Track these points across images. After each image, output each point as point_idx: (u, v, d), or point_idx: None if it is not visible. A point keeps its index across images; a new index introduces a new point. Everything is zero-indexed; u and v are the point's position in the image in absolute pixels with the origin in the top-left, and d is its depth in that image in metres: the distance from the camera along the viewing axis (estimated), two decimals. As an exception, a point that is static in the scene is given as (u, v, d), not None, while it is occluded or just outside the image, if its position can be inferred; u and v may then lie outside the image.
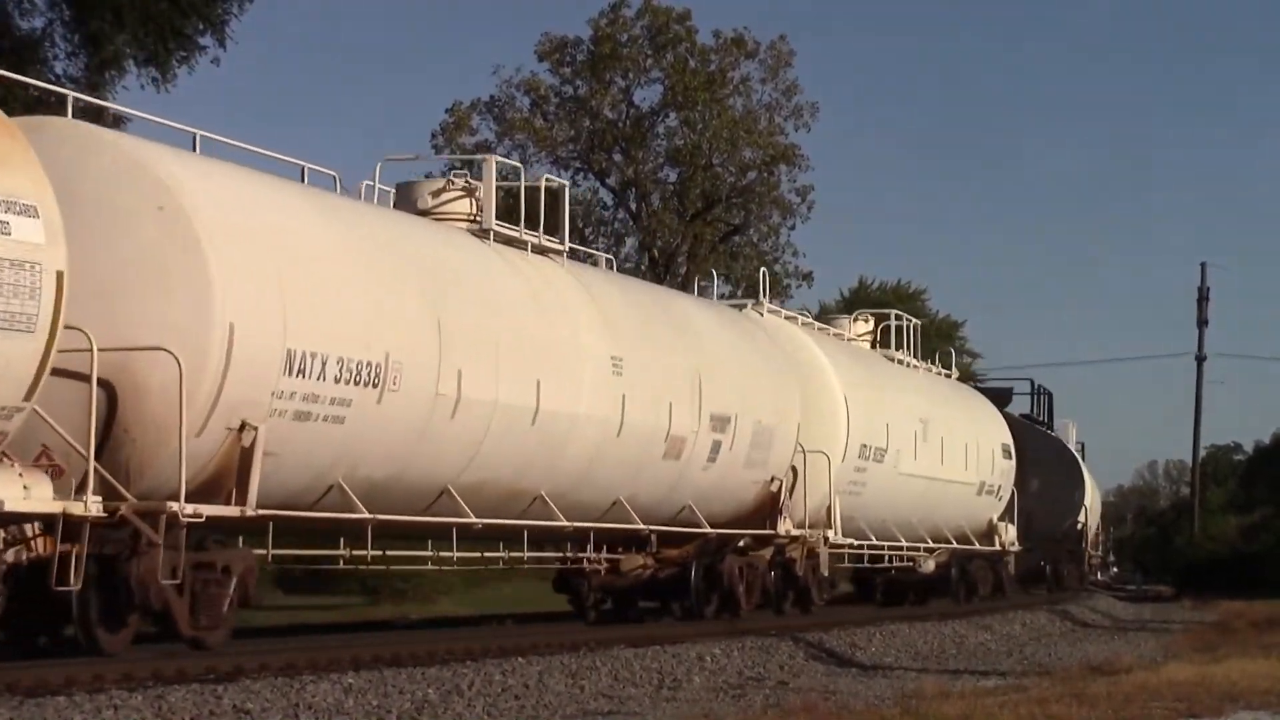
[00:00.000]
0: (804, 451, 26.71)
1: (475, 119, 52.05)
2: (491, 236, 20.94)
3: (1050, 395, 51.82)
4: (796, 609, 27.96)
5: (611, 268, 26.86)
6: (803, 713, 14.91)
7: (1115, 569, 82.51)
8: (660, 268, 49.87)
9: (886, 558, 31.90)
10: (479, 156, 24.34)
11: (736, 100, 51.94)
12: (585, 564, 23.61)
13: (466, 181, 21.11)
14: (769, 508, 25.94)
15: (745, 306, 29.25)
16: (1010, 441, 39.09)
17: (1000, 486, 38.17)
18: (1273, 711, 15.43)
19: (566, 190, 23.17)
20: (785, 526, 26.21)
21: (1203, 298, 69.56)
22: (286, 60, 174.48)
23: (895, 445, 30.83)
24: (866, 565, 31.92)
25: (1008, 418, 41.64)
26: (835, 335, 32.36)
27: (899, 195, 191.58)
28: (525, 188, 22.60)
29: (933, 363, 38.52)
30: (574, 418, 20.80)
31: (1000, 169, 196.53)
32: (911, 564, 33.86)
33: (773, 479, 25.86)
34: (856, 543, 29.74)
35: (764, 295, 29.87)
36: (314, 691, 14.58)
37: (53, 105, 16.94)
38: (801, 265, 53.97)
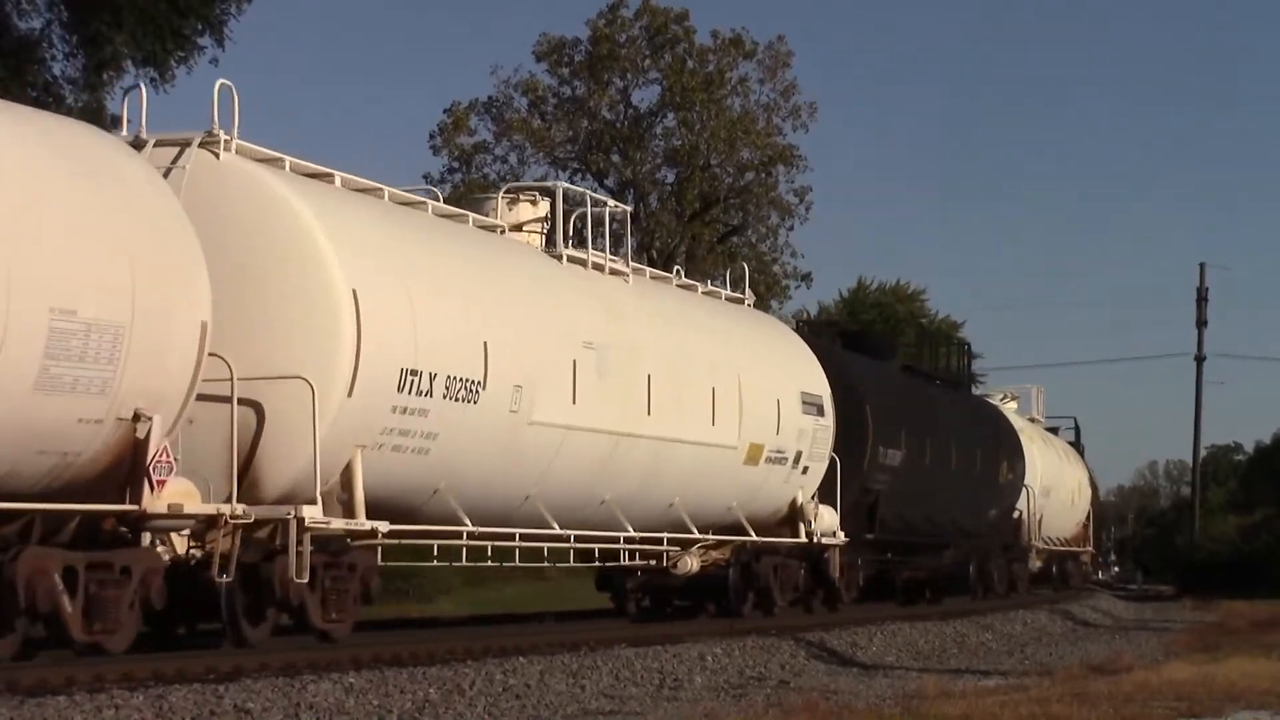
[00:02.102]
0: (229, 372, 16.00)
1: (473, 119, 52.10)
2: None
3: (966, 346, 42.40)
4: (324, 640, 17.53)
5: None
6: (804, 712, 14.90)
7: (1116, 569, 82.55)
8: (659, 268, 49.85)
9: (573, 553, 22.18)
10: None
11: (734, 101, 51.99)
12: None
13: None
14: (131, 466, 15.05)
15: (191, 143, 17.10)
16: (823, 392, 27.20)
17: (801, 454, 26.24)
18: (1273, 711, 15.43)
19: None
20: (162, 501, 15.16)
21: (1202, 298, 69.53)
22: (286, 60, 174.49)
23: (512, 377, 19.14)
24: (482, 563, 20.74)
25: (862, 365, 31.29)
26: (453, 219, 20.58)
27: (899, 195, 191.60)
28: None
29: (708, 279, 28.17)
30: None
31: (1001, 169, 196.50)
32: (659, 564, 24.10)
33: (137, 416, 14.82)
34: (418, 529, 18.79)
35: (220, 125, 17.22)
36: (315, 691, 14.57)
37: (50, 107, 16.92)
38: (800, 266, 54.03)
